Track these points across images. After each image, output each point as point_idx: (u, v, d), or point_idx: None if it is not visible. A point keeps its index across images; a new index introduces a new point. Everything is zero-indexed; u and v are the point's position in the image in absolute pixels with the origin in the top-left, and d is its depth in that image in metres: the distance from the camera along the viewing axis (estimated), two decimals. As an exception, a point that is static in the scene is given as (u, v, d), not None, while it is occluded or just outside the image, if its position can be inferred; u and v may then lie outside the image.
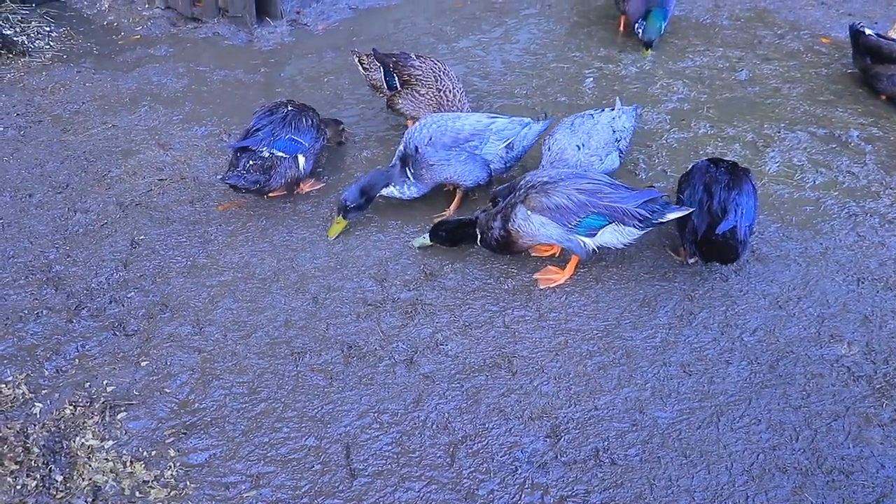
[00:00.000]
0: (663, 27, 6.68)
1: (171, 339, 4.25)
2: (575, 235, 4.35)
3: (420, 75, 5.32)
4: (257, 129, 4.88)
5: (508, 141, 4.90)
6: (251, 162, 4.80)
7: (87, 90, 6.26)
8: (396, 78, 5.40)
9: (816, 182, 5.48)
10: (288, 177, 4.92)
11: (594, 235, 4.35)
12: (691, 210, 4.43)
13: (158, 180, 5.32)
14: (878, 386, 4.10)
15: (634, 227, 4.32)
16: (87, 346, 4.19)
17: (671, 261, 4.81)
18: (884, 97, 6.26)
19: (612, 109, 5.18)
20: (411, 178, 4.85)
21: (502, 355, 4.22)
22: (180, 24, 7.22)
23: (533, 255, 4.80)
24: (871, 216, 5.22)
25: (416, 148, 4.81)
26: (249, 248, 4.82)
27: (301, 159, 4.94)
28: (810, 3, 7.62)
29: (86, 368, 4.08)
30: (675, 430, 3.87)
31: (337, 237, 4.88)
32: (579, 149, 4.88)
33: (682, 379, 4.13)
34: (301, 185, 5.16)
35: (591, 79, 6.46)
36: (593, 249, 4.42)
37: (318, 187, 5.23)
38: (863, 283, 4.75)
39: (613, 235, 4.36)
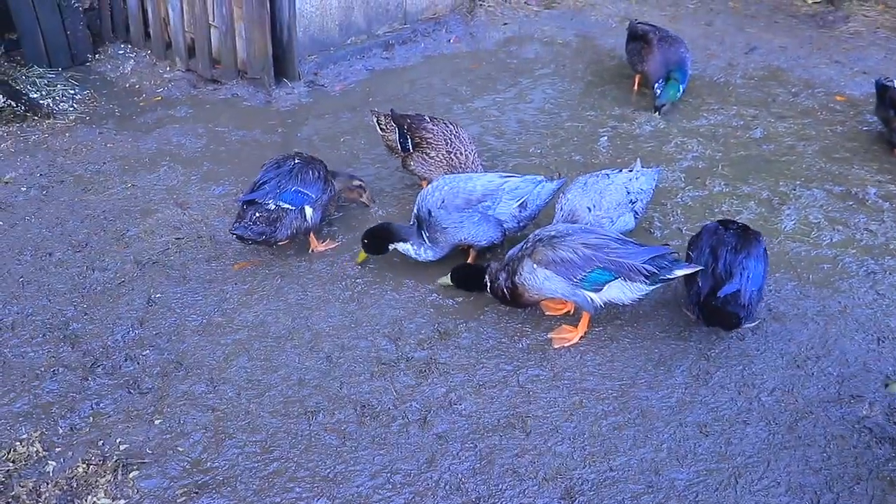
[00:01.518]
0: (679, 94, 6.72)
1: (185, 397, 4.25)
2: (581, 290, 4.34)
3: (431, 138, 5.39)
4: (263, 183, 4.97)
5: (521, 200, 4.92)
6: (257, 214, 4.88)
7: (108, 150, 6.37)
8: (409, 140, 5.47)
9: (833, 240, 5.45)
10: (294, 228, 4.99)
11: (600, 290, 4.34)
12: (699, 268, 4.42)
13: (175, 239, 5.38)
14: (900, 448, 4.02)
15: (641, 282, 4.31)
16: (101, 404, 4.20)
17: (687, 319, 4.78)
18: None
19: (630, 170, 5.19)
20: (427, 242, 4.87)
21: (516, 415, 4.18)
22: (200, 86, 7.36)
23: (546, 313, 4.78)
24: (890, 274, 5.18)
25: (430, 211, 4.84)
26: (264, 306, 4.83)
27: (308, 211, 5.01)
28: (824, 62, 7.67)
29: (100, 426, 4.08)
30: (691, 493, 3.80)
31: (363, 263, 5.10)
32: (590, 210, 4.89)
33: (698, 440, 4.06)
34: (315, 242, 5.20)
35: (606, 137, 6.51)
36: (600, 305, 4.40)
37: (332, 247, 5.27)
38: (883, 342, 4.69)
39: (620, 291, 4.35)
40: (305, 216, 5.02)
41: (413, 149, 5.48)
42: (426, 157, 5.42)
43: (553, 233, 4.45)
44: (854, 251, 5.36)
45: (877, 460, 3.96)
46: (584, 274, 4.29)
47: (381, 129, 5.76)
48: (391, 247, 4.98)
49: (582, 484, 3.83)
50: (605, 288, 4.34)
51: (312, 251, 5.23)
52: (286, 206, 4.94)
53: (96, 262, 5.18)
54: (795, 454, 3.98)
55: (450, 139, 5.38)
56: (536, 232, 4.56)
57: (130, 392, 4.28)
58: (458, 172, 5.30)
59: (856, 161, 6.24)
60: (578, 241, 4.33)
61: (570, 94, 7.15)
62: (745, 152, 6.37)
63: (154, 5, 7.58)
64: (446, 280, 4.81)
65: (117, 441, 4.01)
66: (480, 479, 3.86)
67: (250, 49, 7.15)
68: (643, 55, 6.90)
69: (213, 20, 7.21)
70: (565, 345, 4.56)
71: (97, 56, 7.76)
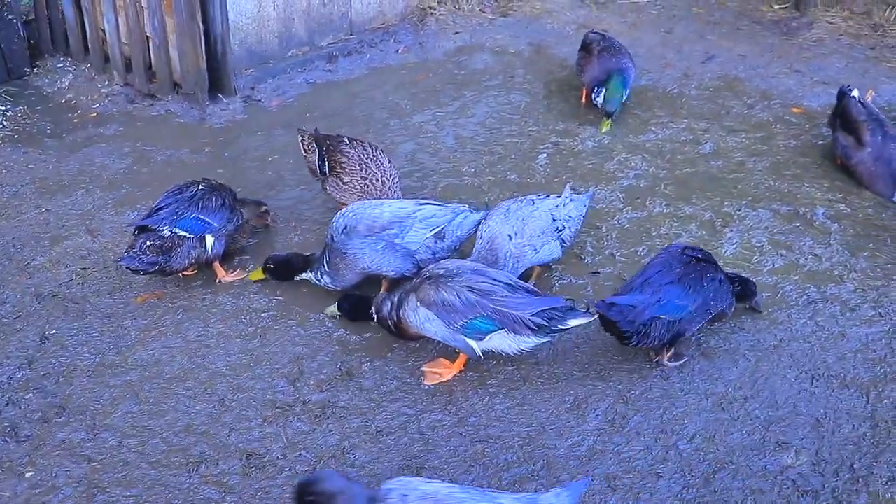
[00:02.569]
0: (625, 95, 6.44)
1: (62, 446, 4.00)
2: (461, 336, 4.06)
3: (346, 162, 5.12)
4: (160, 208, 4.73)
5: (437, 229, 4.64)
6: (149, 242, 4.64)
7: (28, 172, 6.11)
8: (326, 162, 5.19)
9: (776, 265, 5.16)
10: (192, 258, 4.74)
11: (481, 339, 4.06)
12: (594, 317, 4.14)
13: (81, 269, 5.12)
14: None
15: (527, 335, 4.02)
16: (-29, 455, 3.94)
17: (608, 356, 4.50)
18: (838, 161, 5.98)
19: (559, 196, 4.90)
20: (326, 267, 4.63)
21: (412, 466, 3.91)
22: (138, 101, 7.09)
23: (424, 368, 4.48)
24: (831, 303, 4.88)
25: (332, 237, 4.60)
26: (162, 343, 4.57)
27: (209, 240, 4.76)
28: (784, 71, 7.35)
29: (-33, 480, 3.82)
30: (590, 556, 3.53)
31: (258, 282, 4.92)
32: (510, 238, 4.61)
33: (605, 494, 3.79)
34: (221, 272, 4.94)
35: (545, 155, 6.21)
36: (480, 354, 4.12)
37: (241, 276, 5.00)
38: (817, 380, 4.40)
39: (504, 342, 4.08)
40: (205, 245, 4.76)
41: (329, 172, 5.21)
42: (340, 182, 5.15)
43: (442, 271, 4.18)
44: (796, 278, 5.06)
45: (794, 517, 3.67)
46: (465, 320, 4.02)
47: (304, 149, 5.49)
48: (297, 277, 4.75)
49: (472, 546, 3.54)
50: (488, 338, 4.06)
51: (219, 282, 4.96)
52: (183, 233, 4.68)
53: (-5, 294, 4.93)
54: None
55: (365, 163, 5.09)
56: (430, 266, 4.29)
57: (6, 441, 4.03)
58: (373, 198, 5.01)
59: (806, 178, 5.94)
60: (465, 283, 4.06)
61: (514, 108, 6.86)
62: (691, 169, 6.07)
63: (90, 17, 7.31)
64: (333, 309, 4.58)
65: (-17, 497, 3.76)
66: (365, 539, 3.57)
67: (183, 63, 6.87)
68: (582, 66, 6.62)
69: (149, 32, 6.94)
70: (436, 381, 4.29)
71: (35, 70, 7.49)
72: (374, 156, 5.13)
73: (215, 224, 4.77)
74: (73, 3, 7.33)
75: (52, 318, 4.75)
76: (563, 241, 4.81)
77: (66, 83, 7.34)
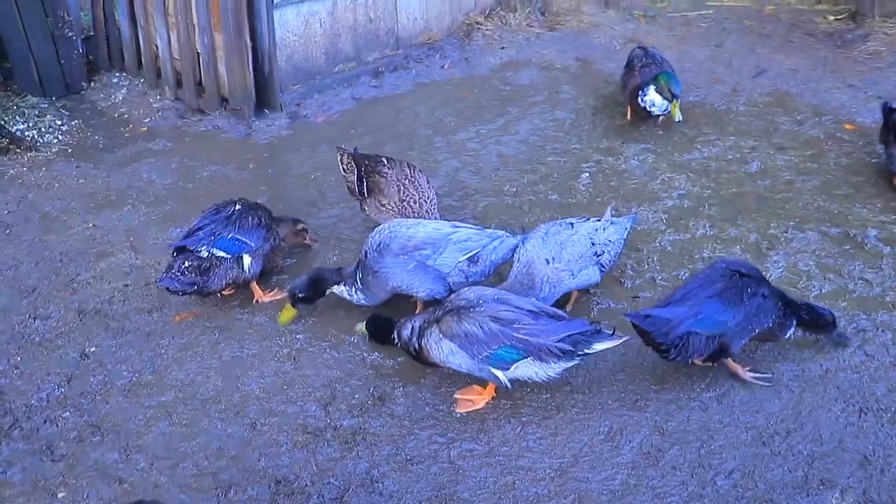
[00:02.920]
0: (678, 87, 6.27)
1: (95, 466, 4.04)
2: (486, 366, 3.99)
3: (384, 183, 5.10)
4: (199, 229, 4.77)
5: (471, 253, 4.59)
6: (187, 263, 4.67)
7: (79, 187, 6.23)
8: (365, 183, 5.19)
9: (823, 290, 5.00)
10: (230, 278, 4.76)
11: (507, 369, 3.99)
12: (623, 339, 4.08)
13: (123, 286, 5.19)
14: (868, 550, 3.58)
15: (554, 361, 3.95)
16: (9, 473, 4.01)
17: (645, 385, 4.39)
18: (895, 179, 5.77)
19: (599, 219, 4.82)
20: (359, 283, 4.61)
21: (440, 496, 3.86)
22: (187, 116, 7.20)
23: (457, 396, 4.42)
24: (883, 331, 4.70)
25: (366, 253, 4.60)
26: (197, 364, 4.60)
27: (246, 260, 4.78)
28: (837, 86, 7.13)
29: (3, 498, 3.88)
30: None
31: (288, 324, 4.77)
32: (548, 262, 4.54)
33: (637, 531, 3.69)
34: (259, 292, 4.96)
35: (588, 174, 6.12)
36: (508, 383, 4.06)
37: (279, 297, 5.01)
38: (866, 413, 4.24)
39: (530, 370, 4.01)
40: (243, 265, 4.79)
41: (367, 193, 5.20)
42: (379, 203, 5.13)
43: (463, 302, 4.12)
44: (845, 304, 4.89)
45: (835, 563, 3.53)
46: (489, 351, 3.96)
47: (343, 169, 5.49)
48: (329, 291, 4.74)
49: (498, 581, 3.49)
50: (514, 367, 4.00)
51: (257, 302, 4.98)
52: (221, 253, 4.71)
53: (40, 309, 5.02)
54: (740, 552, 3.58)
55: (403, 185, 5.07)
56: (452, 296, 4.24)
57: (43, 459, 4.09)
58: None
59: (858, 198, 5.74)
60: (487, 313, 4.00)
61: (558, 125, 6.78)
62: (737, 189, 5.92)
63: (145, 33, 7.44)
64: (361, 326, 4.52)
65: (19, 515, 3.82)
66: (391, 570, 3.55)
67: (231, 79, 6.95)
68: (625, 81, 6.54)
69: (199, 49, 7.04)
70: (469, 409, 4.23)
71: (92, 84, 7.66)
72: (412, 177, 5.11)
73: (252, 244, 4.79)
74: (129, 20, 7.47)
75: (92, 334, 4.82)
76: (601, 265, 4.72)
77: (120, 98, 7.49)
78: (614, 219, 4.91)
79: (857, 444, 4.09)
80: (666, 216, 5.64)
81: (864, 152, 6.28)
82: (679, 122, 6.31)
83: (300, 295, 4.67)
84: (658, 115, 6.42)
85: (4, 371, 4.59)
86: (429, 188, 5.15)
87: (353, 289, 4.69)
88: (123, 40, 7.65)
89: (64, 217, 5.88)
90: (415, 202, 5.03)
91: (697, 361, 4.35)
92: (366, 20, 7.53)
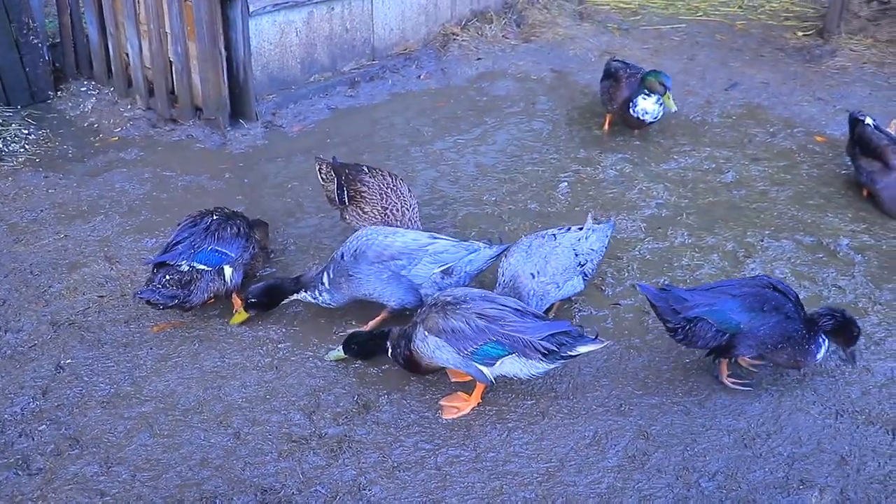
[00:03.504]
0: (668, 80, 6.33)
1: (74, 480, 3.96)
2: (472, 362, 4.01)
3: (366, 192, 5.09)
4: (177, 243, 4.70)
5: (446, 266, 4.57)
6: (168, 276, 4.60)
7: (48, 197, 6.13)
8: (345, 192, 5.17)
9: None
10: (212, 290, 4.70)
11: (493, 365, 4.01)
12: (604, 343, 4.12)
13: (98, 297, 5.11)
14: (848, 548, 3.63)
15: (538, 360, 3.98)
16: (-16, 488, 3.92)
17: (628, 391, 4.42)
18: (865, 191, 5.89)
19: (580, 229, 4.84)
20: (325, 284, 4.59)
21: (429, 502, 3.83)
22: (160, 126, 7.12)
23: (452, 379, 4.44)
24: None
25: (342, 255, 4.59)
26: (177, 374, 4.54)
27: (228, 271, 4.73)
28: (806, 99, 7.28)
29: (-21, 514, 3.80)
30: None
31: (239, 325, 4.79)
32: (534, 276, 4.54)
33: (625, 535, 3.70)
34: (238, 303, 4.91)
35: (566, 183, 6.16)
36: (492, 380, 4.08)
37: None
38: (842, 416, 4.30)
39: (515, 367, 4.03)
40: (224, 277, 4.73)
41: (349, 202, 5.18)
42: (360, 212, 5.12)
43: (449, 298, 4.14)
44: (821, 311, 4.95)
45: (820, 563, 3.57)
46: (475, 346, 3.98)
47: (322, 178, 5.47)
48: (287, 300, 4.75)
49: (488, 587, 3.48)
50: (499, 363, 4.02)
51: (237, 311, 4.93)
52: (202, 267, 4.65)
53: (11, 321, 4.92)
54: (728, 554, 3.60)
55: (386, 193, 5.07)
56: (435, 296, 4.26)
57: (18, 473, 3.99)
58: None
59: (830, 208, 5.85)
60: (473, 310, 4.03)
61: (535, 135, 6.82)
62: (713, 198, 6.00)
63: (114, 41, 7.37)
64: (338, 353, 4.48)
65: (-5, 530, 3.73)
66: (379, 579, 3.52)
67: (205, 88, 6.90)
68: (612, 94, 6.56)
69: (172, 57, 6.98)
70: (455, 415, 4.23)
71: (59, 93, 7.55)
72: (394, 185, 5.10)
73: (232, 255, 4.75)
74: (98, 28, 7.39)
75: (67, 346, 4.74)
76: (585, 274, 4.75)
77: (90, 107, 7.39)
78: (595, 226, 4.93)
79: (834, 445, 4.15)
80: (644, 225, 5.70)
81: (833, 164, 6.40)
82: (675, 112, 6.45)
83: (252, 300, 4.67)
84: (650, 123, 6.45)
85: (-24, 384, 4.49)
86: (410, 196, 5.15)
87: (317, 291, 4.66)
88: (92, 48, 7.57)
89: (33, 228, 5.78)
90: (397, 210, 5.02)
91: (724, 378, 4.45)
92: (342, 30, 7.53)
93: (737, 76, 7.68)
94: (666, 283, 4.77)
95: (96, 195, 6.14)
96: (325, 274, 4.63)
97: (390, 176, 5.19)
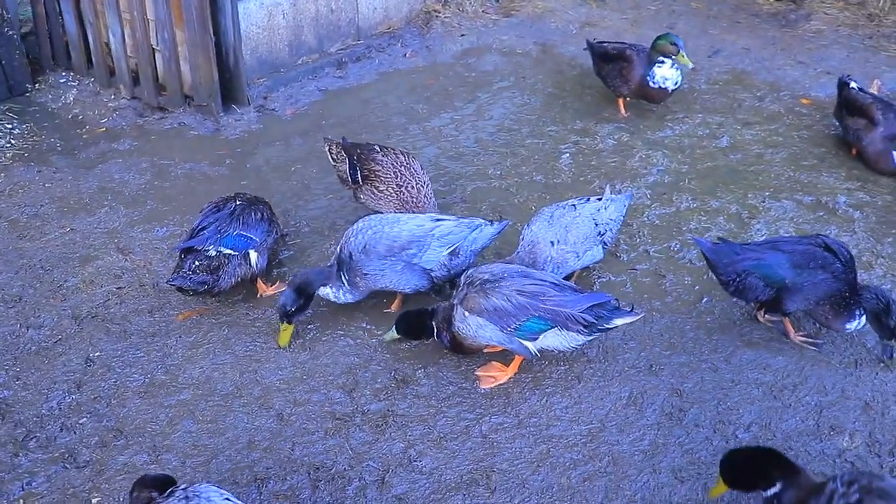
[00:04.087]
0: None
1: (125, 469, 3.97)
2: (515, 338, 4.11)
3: (380, 170, 5.12)
4: (203, 228, 4.70)
5: (453, 247, 4.60)
6: (197, 262, 4.60)
7: (46, 191, 6.04)
8: (359, 171, 5.20)
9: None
10: (239, 275, 4.71)
11: (535, 339, 4.11)
12: (640, 315, 4.26)
13: (116, 289, 5.08)
14: (885, 486, 3.79)
15: (578, 332, 4.08)
16: (33, 483, 3.90)
17: (656, 352, 4.55)
18: (854, 151, 6.11)
19: (599, 199, 4.91)
20: (346, 285, 4.59)
21: (480, 469, 3.93)
22: (147, 114, 7.03)
23: (485, 350, 4.51)
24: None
25: (351, 255, 4.56)
26: (211, 360, 4.55)
27: (253, 255, 4.74)
28: (788, 63, 7.46)
29: (33, 509, 3.79)
30: (668, 550, 3.57)
31: (290, 344, 4.60)
32: (553, 244, 4.62)
33: (673, 487, 3.84)
34: (262, 286, 4.92)
35: (568, 154, 6.25)
36: (536, 353, 4.18)
37: (282, 289, 4.97)
38: (861, 365, 4.49)
39: (557, 339, 4.13)
40: (250, 261, 4.74)
41: (363, 181, 5.21)
42: (375, 191, 5.15)
43: (486, 276, 4.20)
44: (828, 266, 5.13)
45: (861, 502, 3.73)
46: (518, 323, 4.07)
47: (332, 158, 5.48)
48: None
49: (551, 546, 3.59)
50: (541, 337, 4.11)
51: (261, 296, 4.95)
52: (228, 251, 4.65)
53: (31, 318, 4.87)
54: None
55: (400, 171, 5.10)
56: (469, 272, 4.30)
57: (66, 467, 3.99)
58: (409, 206, 5.03)
59: (823, 168, 6.04)
60: (513, 287, 4.10)
61: (530, 109, 6.90)
62: (711, 163, 6.15)
63: (94, 30, 7.24)
64: (392, 334, 4.48)
65: (52, 524, 3.73)
66: (443, 545, 3.61)
67: (195, 75, 6.83)
68: (624, 75, 6.44)
69: (157, 45, 6.89)
70: (492, 384, 4.33)
71: (37, 86, 7.41)
72: (407, 163, 5.14)
73: (257, 239, 4.75)
74: (76, 17, 7.26)
75: (94, 339, 4.71)
76: (605, 243, 4.84)
77: (71, 98, 7.27)
78: (613, 196, 5.00)
79: (857, 392, 4.33)
80: (649, 192, 5.82)
81: (822, 125, 6.58)
82: (692, 68, 6.49)
83: (292, 310, 4.49)
84: (674, 91, 6.40)
85: (5, 383, 4.44)
86: (423, 174, 5.19)
87: (341, 291, 4.62)
88: (70, 38, 7.42)
89: (36, 223, 5.70)
90: (412, 187, 5.06)
91: (759, 317, 4.69)
92: (327, 11, 7.50)
93: (718, 43, 7.84)
94: (716, 237, 4.94)
95: (96, 187, 6.07)
96: (342, 275, 4.59)
97: (403, 154, 5.23)
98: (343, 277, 4.59)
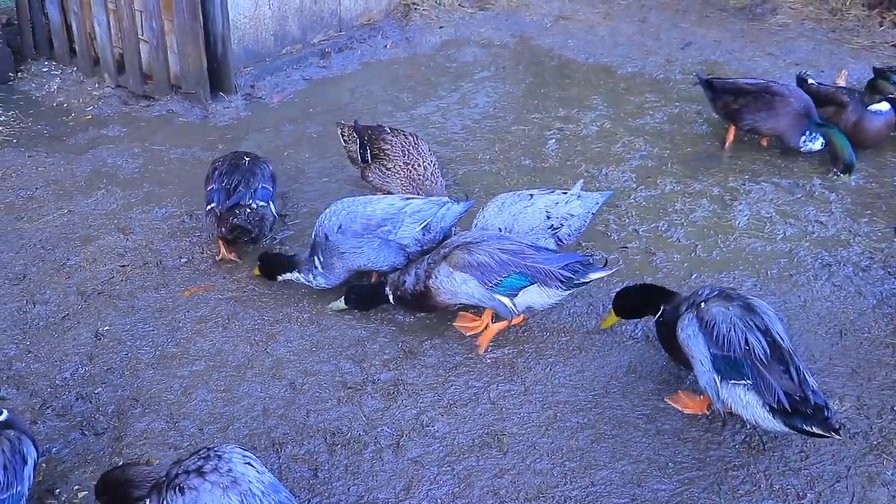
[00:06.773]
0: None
1: (144, 436, 4.05)
2: (496, 295, 4.30)
3: (389, 150, 5.28)
4: (236, 185, 4.94)
5: (425, 223, 4.73)
6: (248, 211, 4.88)
7: (39, 175, 6.06)
8: (368, 150, 5.35)
9: (787, 234, 5.50)
10: (268, 224, 4.99)
11: (516, 295, 4.31)
12: (612, 270, 4.54)
13: (120, 266, 5.14)
14: (875, 442, 4.04)
15: (557, 287, 4.28)
16: (54, 449, 3.96)
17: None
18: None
19: (565, 192, 4.93)
20: (319, 268, 4.69)
21: (491, 433, 4.09)
22: (132, 103, 7.07)
23: (456, 325, 4.69)
24: (844, 265, 5.23)
25: (326, 236, 4.67)
26: (220, 334, 4.64)
27: (272, 205, 5.06)
28: (758, 54, 7.76)
29: (55, 473, 3.85)
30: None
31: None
32: (501, 231, 4.73)
33: (677, 447, 4.03)
34: (224, 251, 5.13)
35: (554, 140, 6.46)
36: (516, 310, 4.37)
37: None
38: (846, 335, 4.73)
39: (537, 295, 4.32)
40: (272, 210, 5.05)
41: (371, 160, 5.37)
42: (384, 169, 5.31)
43: (469, 238, 4.43)
44: (808, 244, 5.40)
45: (853, 456, 3.98)
46: (500, 279, 4.27)
47: (344, 140, 5.65)
48: (280, 278, 4.84)
49: (565, 502, 3.76)
50: (522, 293, 4.31)
51: (221, 259, 5.15)
52: (262, 203, 4.96)
53: (37, 294, 4.91)
54: (775, 456, 3.97)
55: (408, 150, 5.28)
56: (453, 239, 4.54)
57: (85, 434, 4.06)
58: (416, 184, 5.19)
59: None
60: (495, 245, 4.33)
61: (512, 97, 7.09)
62: (691, 148, 6.40)
63: (78, 20, 7.25)
64: (339, 304, 4.69)
65: (75, 488, 3.80)
66: (461, 503, 3.75)
67: (184, 63, 6.89)
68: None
69: (143, 34, 6.93)
70: (471, 333, 4.59)
71: (20, 74, 7.42)
72: (415, 143, 5.34)
73: (271, 189, 5.08)
74: (59, 6, 7.27)
75: (102, 314, 4.77)
76: (559, 238, 4.83)
77: (55, 87, 7.28)
78: (583, 193, 5.01)
79: (844, 360, 4.57)
80: (634, 175, 6.04)
81: (793, 112, 6.86)
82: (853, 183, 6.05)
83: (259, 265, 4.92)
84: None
85: (17, 356, 4.49)
86: (430, 154, 5.37)
87: (312, 274, 4.72)
88: (53, 28, 7.44)
89: (32, 206, 5.73)
90: (419, 165, 5.23)
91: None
92: (311, 2, 7.61)
93: (689, 36, 8.12)
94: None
95: (89, 171, 6.11)
96: (316, 258, 4.69)
97: (411, 135, 5.41)
98: (318, 260, 4.69)
